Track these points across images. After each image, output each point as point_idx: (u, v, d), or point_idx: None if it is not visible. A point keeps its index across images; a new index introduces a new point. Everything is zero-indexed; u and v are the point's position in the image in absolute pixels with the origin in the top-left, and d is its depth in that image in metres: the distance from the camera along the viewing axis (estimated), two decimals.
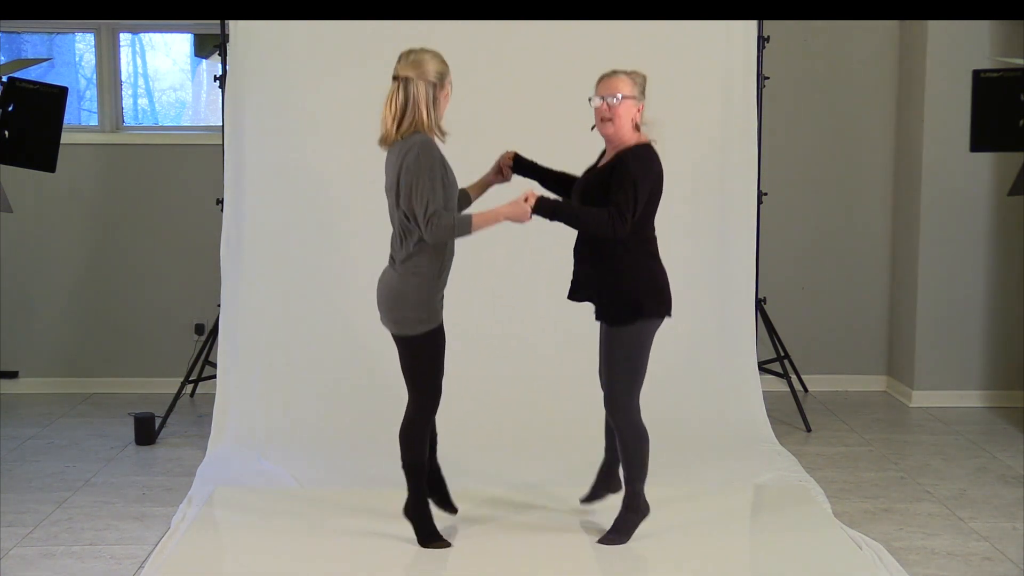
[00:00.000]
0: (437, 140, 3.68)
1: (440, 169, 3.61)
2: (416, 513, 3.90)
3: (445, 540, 3.90)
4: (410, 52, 3.67)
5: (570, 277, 3.94)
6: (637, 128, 3.75)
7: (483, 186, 4.02)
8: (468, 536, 4.00)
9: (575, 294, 3.91)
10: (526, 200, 3.63)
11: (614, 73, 3.76)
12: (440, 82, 3.65)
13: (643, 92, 3.77)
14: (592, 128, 3.84)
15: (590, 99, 3.78)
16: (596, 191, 3.72)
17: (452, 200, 3.68)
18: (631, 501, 3.91)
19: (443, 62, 3.67)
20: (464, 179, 4.01)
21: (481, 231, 3.67)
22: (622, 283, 3.74)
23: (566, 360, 5.24)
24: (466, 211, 3.85)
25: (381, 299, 3.78)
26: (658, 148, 3.81)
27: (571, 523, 4.13)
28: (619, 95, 3.69)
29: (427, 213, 3.54)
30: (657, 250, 3.84)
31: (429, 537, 3.89)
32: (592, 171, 3.86)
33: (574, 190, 3.88)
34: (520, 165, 3.99)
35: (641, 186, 3.63)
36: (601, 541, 3.91)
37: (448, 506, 4.10)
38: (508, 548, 3.91)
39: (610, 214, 3.61)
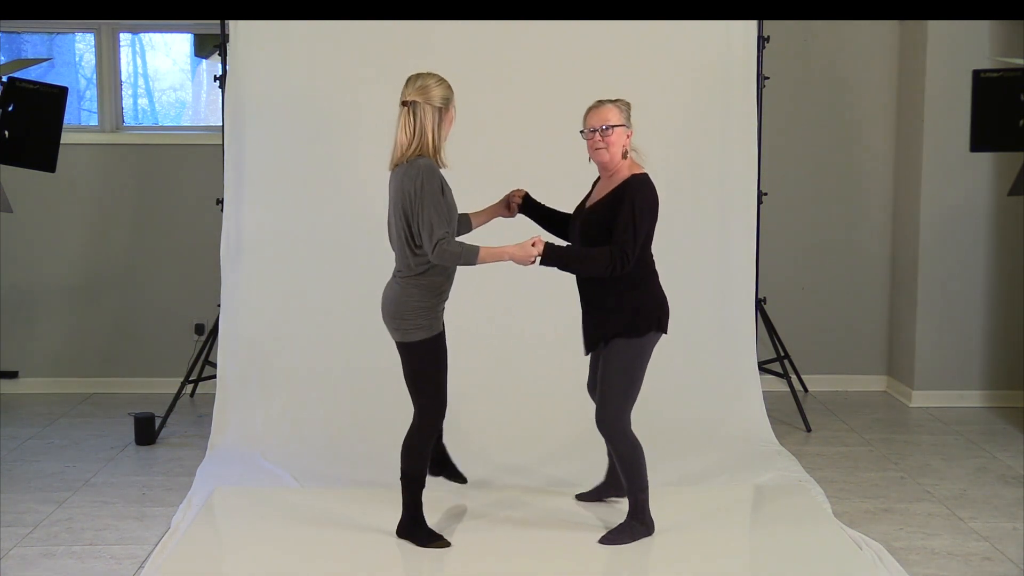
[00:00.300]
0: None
1: (442, 189, 3.70)
2: (411, 530, 3.94)
3: (445, 540, 3.92)
4: (417, 77, 3.76)
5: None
6: (625, 154, 3.84)
7: (487, 216, 4.11)
8: (468, 532, 4.01)
9: (592, 345, 3.97)
10: (533, 245, 3.73)
11: (601, 104, 3.85)
12: (445, 106, 3.74)
13: (629, 119, 3.86)
14: (589, 160, 3.93)
15: (582, 131, 3.87)
16: (598, 228, 3.81)
17: (453, 223, 3.76)
18: (636, 511, 3.95)
19: (448, 87, 3.76)
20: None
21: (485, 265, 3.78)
22: (622, 301, 3.82)
23: (567, 357, 5.24)
24: (468, 240, 3.92)
25: (384, 310, 3.85)
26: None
27: (572, 522, 4.14)
28: (609, 124, 3.79)
29: (434, 237, 3.63)
30: (655, 267, 3.92)
31: (427, 540, 3.92)
32: (591, 205, 3.93)
33: (574, 225, 3.96)
34: (528, 206, 4.09)
35: (642, 224, 3.75)
36: (602, 541, 3.93)
37: (457, 476, 4.22)
38: (508, 545, 3.92)
39: (612, 254, 3.71)
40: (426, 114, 3.70)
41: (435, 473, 4.17)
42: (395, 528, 3.98)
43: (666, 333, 3.91)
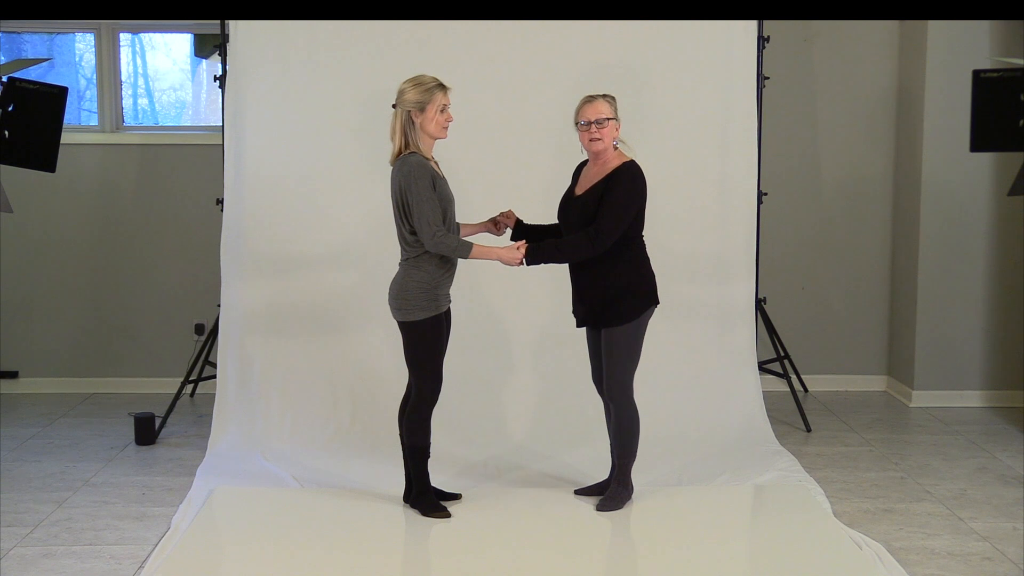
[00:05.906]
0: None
1: (432, 184, 3.87)
2: (418, 499, 4.13)
3: (446, 511, 4.10)
4: (404, 82, 3.95)
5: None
6: (615, 145, 4.08)
7: (474, 231, 4.29)
8: (466, 530, 4.01)
9: (589, 325, 4.21)
10: (518, 248, 4.02)
11: (592, 98, 4.06)
12: (419, 108, 3.89)
13: (617, 112, 4.08)
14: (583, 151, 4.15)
15: (577, 124, 4.07)
16: (590, 213, 4.01)
17: (448, 214, 3.95)
18: (621, 476, 4.22)
19: (426, 91, 3.91)
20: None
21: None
22: (619, 286, 4.04)
23: (568, 352, 5.25)
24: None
25: (389, 294, 4.05)
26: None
27: (575, 525, 4.14)
28: (603, 117, 4.00)
29: (430, 229, 3.84)
30: (645, 251, 4.13)
31: (432, 509, 4.12)
32: (585, 192, 4.10)
33: (568, 212, 4.16)
34: (520, 230, 4.28)
35: (628, 209, 4.01)
36: (599, 508, 4.20)
37: (448, 497, 4.29)
38: (506, 542, 3.91)
39: (588, 236, 3.95)
40: (398, 116, 3.92)
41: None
42: (395, 530, 3.99)
43: (659, 303, 4.13)
